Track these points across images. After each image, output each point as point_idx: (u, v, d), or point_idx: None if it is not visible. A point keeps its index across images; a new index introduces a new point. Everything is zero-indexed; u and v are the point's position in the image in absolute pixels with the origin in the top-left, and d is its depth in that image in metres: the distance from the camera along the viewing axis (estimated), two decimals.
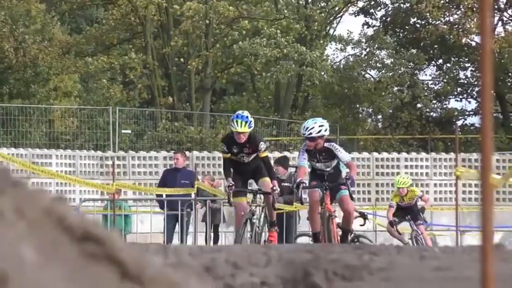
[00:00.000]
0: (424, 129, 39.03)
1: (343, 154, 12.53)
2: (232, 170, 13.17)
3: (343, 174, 12.85)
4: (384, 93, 39.82)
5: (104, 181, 23.96)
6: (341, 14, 41.31)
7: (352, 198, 12.94)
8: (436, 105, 41.55)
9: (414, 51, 39.25)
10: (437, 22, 39.79)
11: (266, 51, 35.61)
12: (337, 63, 41.80)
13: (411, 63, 39.41)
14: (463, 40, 40.14)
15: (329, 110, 40.65)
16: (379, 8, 41.55)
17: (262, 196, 13.42)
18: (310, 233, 13.87)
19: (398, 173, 20.39)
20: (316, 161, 12.47)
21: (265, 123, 35.24)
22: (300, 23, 37.75)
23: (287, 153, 25.58)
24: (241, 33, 37.13)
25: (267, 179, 12.88)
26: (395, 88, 40.01)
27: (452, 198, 24.57)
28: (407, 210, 18.16)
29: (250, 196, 13.41)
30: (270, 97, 41.41)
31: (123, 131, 32.80)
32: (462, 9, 39.51)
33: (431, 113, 41.15)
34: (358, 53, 41.48)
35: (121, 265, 2.05)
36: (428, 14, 38.85)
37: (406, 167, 27.44)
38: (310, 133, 12.16)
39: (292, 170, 18.41)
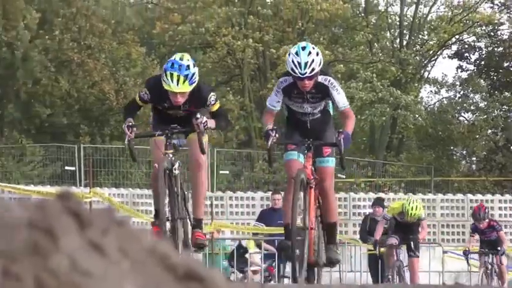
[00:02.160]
0: None
1: (340, 96, 8.63)
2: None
3: (338, 104, 8.74)
4: (477, 136, 39.69)
5: None
6: (435, 57, 41.03)
7: (343, 167, 9.78)
8: None
9: (508, 94, 38.88)
10: None
11: (361, 94, 35.79)
12: (431, 106, 41.77)
13: (505, 106, 39.15)
14: None
15: (423, 152, 40.43)
16: (473, 51, 41.20)
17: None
18: None
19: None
20: (302, 101, 8.66)
21: (361, 165, 35.33)
22: (395, 66, 37.71)
23: (382, 194, 25.66)
24: (337, 76, 37.20)
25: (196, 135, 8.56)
26: (489, 131, 39.89)
27: None
28: (407, 229, 16.00)
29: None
30: (365, 139, 41.26)
31: (221, 172, 33.10)
32: None
33: None
34: (452, 96, 41.37)
35: None
36: None
37: (499, 208, 27.58)
38: (313, 69, 8.43)
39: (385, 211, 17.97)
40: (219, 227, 21.76)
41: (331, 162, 8.87)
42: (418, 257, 15.84)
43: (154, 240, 2.08)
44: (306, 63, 8.30)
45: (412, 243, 15.80)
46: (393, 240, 15.68)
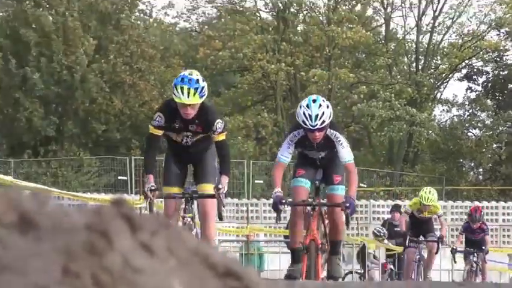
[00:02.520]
0: None
1: (345, 150, 7.94)
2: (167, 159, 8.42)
3: (342, 159, 8.11)
4: (484, 150, 40.25)
5: (239, 224, 24.29)
6: (447, 79, 41.29)
7: (347, 225, 8.54)
8: None
9: (511, 112, 38.83)
10: None
11: (381, 112, 36.06)
12: (443, 123, 42.13)
13: (508, 123, 39.47)
14: None
15: (436, 164, 40.82)
16: (481, 75, 41.64)
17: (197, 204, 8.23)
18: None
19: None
20: (310, 149, 8.13)
21: (380, 175, 35.64)
22: (411, 88, 37.73)
23: (399, 202, 25.82)
24: (360, 96, 37.35)
25: (211, 185, 7.88)
26: (495, 145, 40.50)
27: None
28: (423, 225, 15.65)
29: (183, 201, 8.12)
30: (384, 152, 41.43)
31: (255, 181, 33.14)
32: None
33: None
34: (461, 114, 41.82)
35: None
36: None
37: (503, 214, 28.22)
38: (323, 121, 7.84)
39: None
40: (254, 230, 21.76)
41: (340, 190, 8.18)
42: (437, 242, 15.27)
43: (197, 241, 2.07)
44: (316, 116, 7.69)
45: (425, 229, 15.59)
46: (412, 250, 15.46)
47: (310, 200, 8.25)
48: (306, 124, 7.73)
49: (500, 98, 41.56)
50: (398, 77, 39.97)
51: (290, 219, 9.05)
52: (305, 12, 39.89)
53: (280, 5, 38.13)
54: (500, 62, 41.20)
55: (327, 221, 8.38)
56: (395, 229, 18.05)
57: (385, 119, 37.00)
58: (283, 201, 8.22)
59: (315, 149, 8.03)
